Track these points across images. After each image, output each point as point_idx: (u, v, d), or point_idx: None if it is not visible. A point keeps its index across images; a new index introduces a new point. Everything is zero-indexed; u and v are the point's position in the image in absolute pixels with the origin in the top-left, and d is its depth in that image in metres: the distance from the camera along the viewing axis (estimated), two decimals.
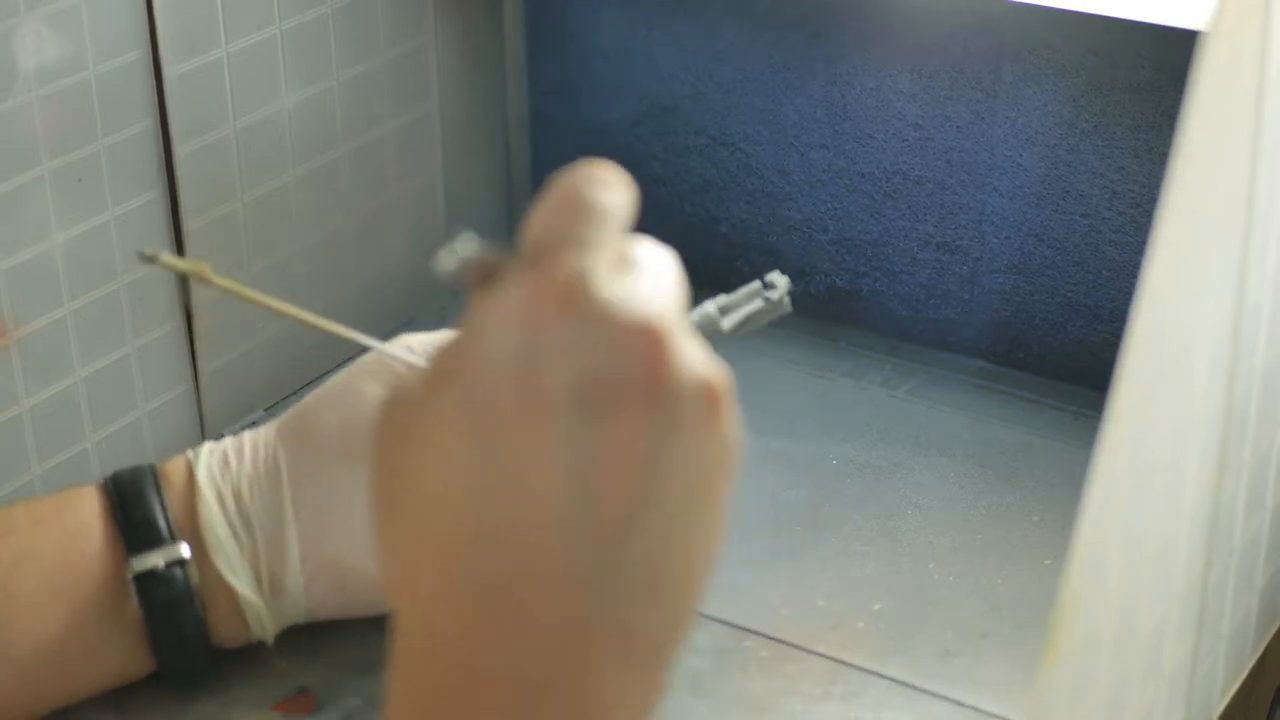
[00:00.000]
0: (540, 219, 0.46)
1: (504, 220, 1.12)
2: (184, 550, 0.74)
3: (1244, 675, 0.73)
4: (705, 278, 1.15)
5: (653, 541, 0.44)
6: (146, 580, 0.73)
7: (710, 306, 0.77)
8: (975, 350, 1.01)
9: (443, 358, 0.45)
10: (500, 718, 0.43)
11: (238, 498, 0.75)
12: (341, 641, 0.79)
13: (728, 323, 0.77)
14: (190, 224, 0.91)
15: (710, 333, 0.77)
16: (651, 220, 1.23)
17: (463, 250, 0.45)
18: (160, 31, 0.86)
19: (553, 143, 1.11)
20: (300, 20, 0.94)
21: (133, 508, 0.74)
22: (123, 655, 0.75)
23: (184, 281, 0.91)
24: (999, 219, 0.98)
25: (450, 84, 1.06)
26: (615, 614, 0.44)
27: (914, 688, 0.77)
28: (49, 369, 0.85)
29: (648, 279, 0.45)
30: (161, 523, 0.74)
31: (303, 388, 0.99)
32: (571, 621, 0.43)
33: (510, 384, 0.43)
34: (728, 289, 1.07)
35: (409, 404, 0.45)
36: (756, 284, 0.78)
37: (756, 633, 0.80)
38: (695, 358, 0.44)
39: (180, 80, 0.88)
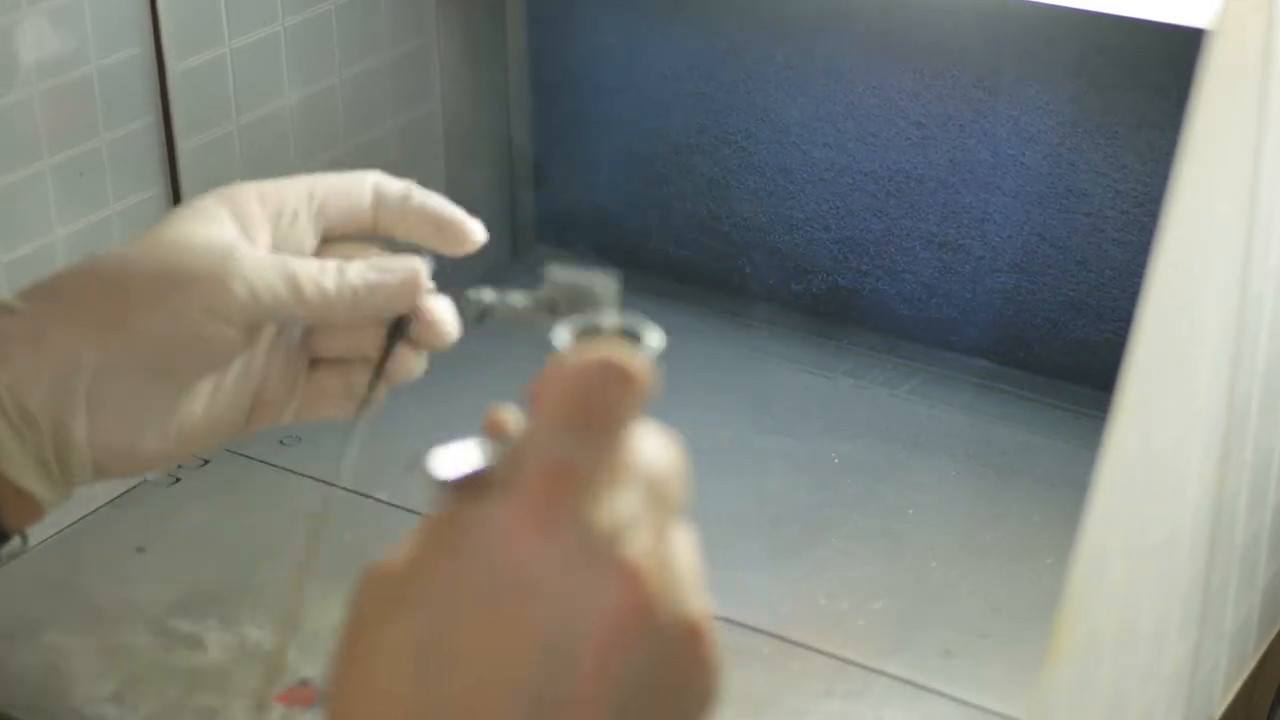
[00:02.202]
0: (541, 419, 0.42)
1: (506, 219, 1.12)
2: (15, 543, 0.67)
3: (1245, 675, 0.73)
4: (707, 277, 1.16)
5: None
6: None
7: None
8: (977, 349, 1.01)
9: (409, 568, 0.42)
10: None
11: (15, 393, 0.66)
12: None
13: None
14: None
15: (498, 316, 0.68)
16: (653, 220, 1.23)
17: (441, 470, 0.42)
18: (163, 27, 0.86)
19: (555, 141, 1.11)
20: (303, 17, 0.94)
21: None
22: None
23: None
24: (1001, 218, 0.98)
25: (452, 82, 1.06)
26: None
27: (915, 686, 0.77)
28: None
29: (642, 496, 0.42)
30: None
31: None
32: None
33: (472, 613, 0.40)
34: (729, 288, 1.07)
35: (381, 602, 0.42)
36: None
37: (758, 630, 0.80)
38: (679, 598, 0.41)
39: (183, 76, 0.88)
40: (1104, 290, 0.96)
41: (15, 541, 0.68)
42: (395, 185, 0.71)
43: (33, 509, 0.67)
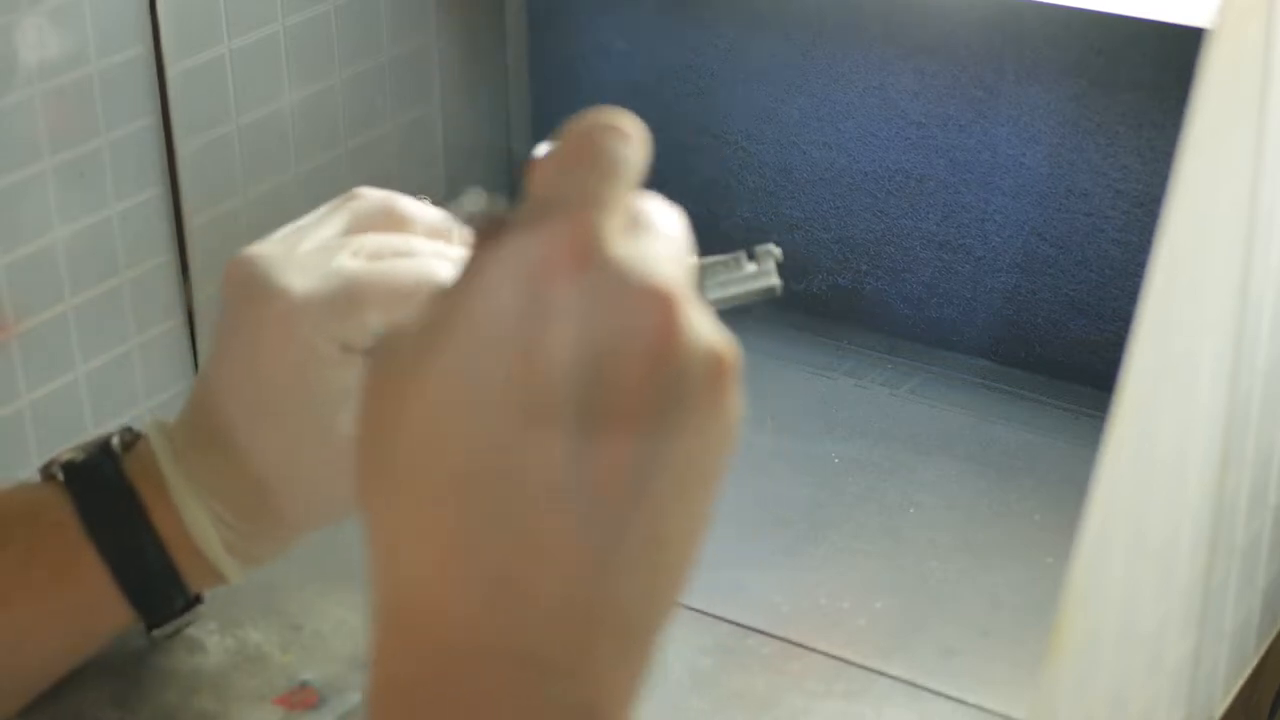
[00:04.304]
0: (550, 168, 0.44)
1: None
2: (200, 608, 0.74)
3: (1246, 674, 0.73)
4: None
5: (652, 518, 0.42)
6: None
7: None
8: (977, 349, 1.01)
9: (440, 310, 0.42)
10: (498, 701, 0.42)
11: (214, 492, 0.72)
12: (342, 636, 0.79)
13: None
14: (192, 220, 0.90)
15: None
16: None
17: (469, 205, 0.44)
18: (163, 27, 0.86)
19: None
20: (303, 17, 0.94)
21: (149, 594, 0.71)
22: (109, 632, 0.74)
23: (186, 278, 0.91)
24: (1001, 218, 0.98)
25: (452, 83, 1.06)
26: (613, 591, 0.42)
27: (916, 685, 0.77)
28: (50, 364, 0.85)
29: (659, 241, 0.44)
30: (178, 598, 0.72)
31: None
32: (572, 600, 0.42)
33: (512, 343, 0.41)
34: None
35: (402, 359, 0.43)
36: (740, 255, 0.63)
37: (759, 631, 0.80)
38: (705, 327, 0.43)
39: (183, 76, 0.88)
40: (1104, 290, 0.96)
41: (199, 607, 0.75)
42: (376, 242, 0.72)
43: (217, 577, 0.73)
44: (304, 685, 0.77)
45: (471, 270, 0.43)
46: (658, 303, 0.42)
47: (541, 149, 0.45)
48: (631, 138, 0.44)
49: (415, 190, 1.05)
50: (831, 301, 1.04)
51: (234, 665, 0.78)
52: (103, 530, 0.70)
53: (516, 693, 0.42)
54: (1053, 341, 0.99)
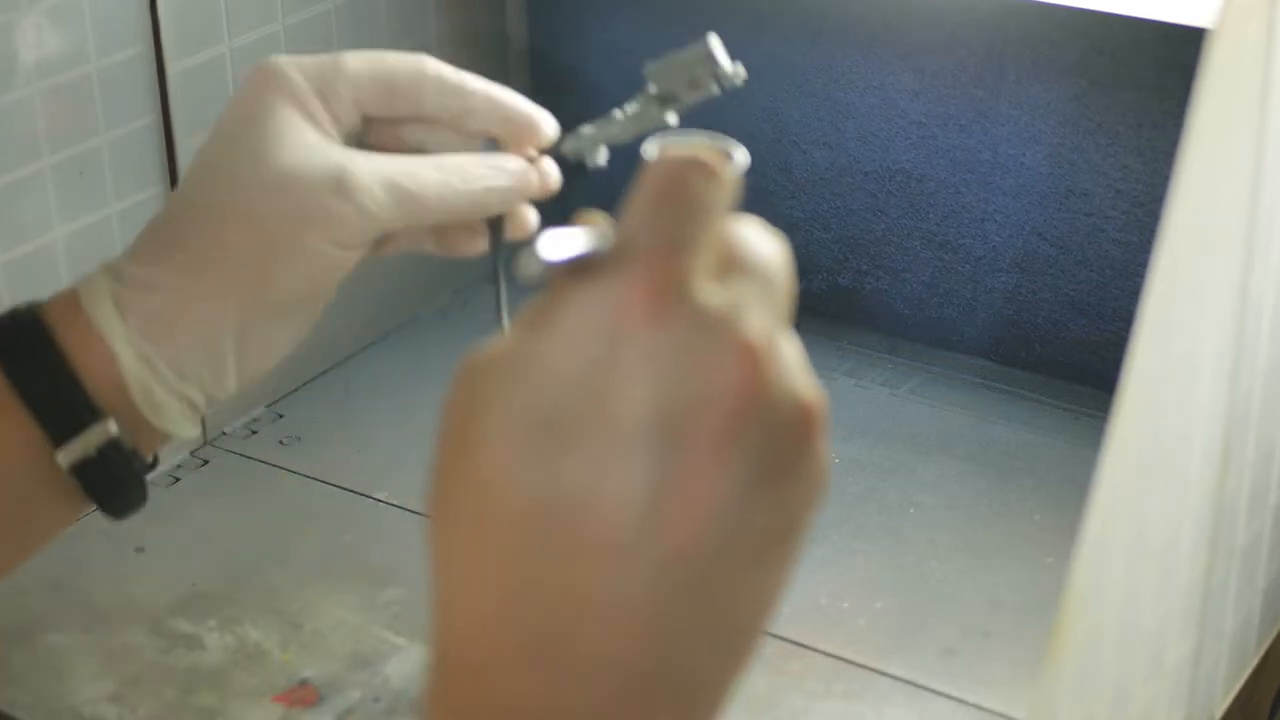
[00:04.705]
0: (635, 211, 0.42)
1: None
2: (113, 428, 0.64)
3: (1246, 674, 0.73)
4: None
5: (722, 585, 0.41)
6: (83, 469, 0.64)
7: (651, 90, 0.72)
8: (977, 349, 1.01)
9: (518, 347, 0.41)
10: None
11: (174, 364, 0.65)
12: (342, 635, 0.79)
13: (673, 117, 0.71)
14: None
15: (650, 126, 0.71)
16: None
17: (548, 252, 0.41)
18: (163, 26, 0.86)
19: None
20: (303, 16, 0.94)
21: (46, 400, 0.63)
22: (61, 518, 0.67)
23: None
24: (1002, 217, 0.98)
25: None
26: (673, 658, 0.40)
27: (916, 685, 0.77)
28: None
29: (751, 282, 0.42)
30: (78, 398, 0.64)
31: (302, 385, 0.99)
32: (625, 662, 0.40)
33: (585, 392, 0.40)
34: None
35: (476, 396, 0.41)
36: (700, 54, 0.72)
37: None
38: (792, 378, 0.41)
39: (183, 75, 0.88)
40: (1104, 290, 0.96)
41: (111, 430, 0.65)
42: (453, 70, 0.69)
43: (163, 438, 0.66)
44: (303, 683, 0.77)
45: (552, 310, 0.41)
46: (741, 355, 0.40)
47: (650, 149, 0.45)
48: (718, 174, 0.43)
49: None
50: (831, 301, 1.04)
51: (234, 663, 0.78)
52: (11, 354, 0.64)
53: None
54: (1053, 341, 0.99)
